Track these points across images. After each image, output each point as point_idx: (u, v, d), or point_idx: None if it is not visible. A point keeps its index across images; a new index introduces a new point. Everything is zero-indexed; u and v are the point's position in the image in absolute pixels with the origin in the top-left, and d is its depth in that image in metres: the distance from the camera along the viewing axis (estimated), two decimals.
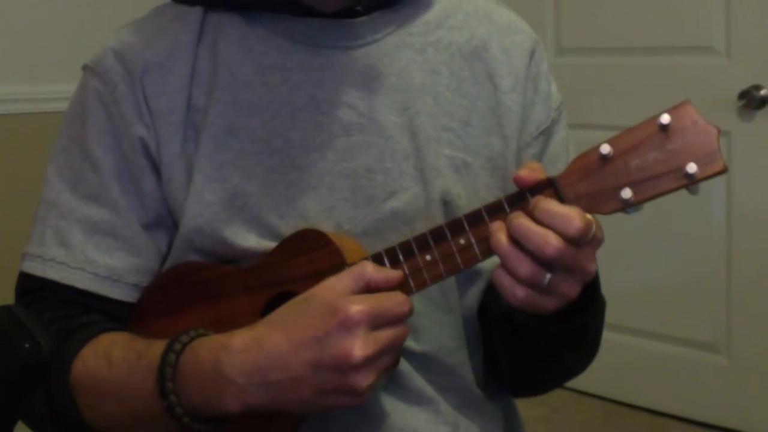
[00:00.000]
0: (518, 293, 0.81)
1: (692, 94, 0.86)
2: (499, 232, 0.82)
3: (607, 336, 1.03)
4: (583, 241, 0.79)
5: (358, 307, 0.80)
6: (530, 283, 0.81)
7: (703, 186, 0.82)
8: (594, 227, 0.80)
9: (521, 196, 0.85)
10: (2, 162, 2.50)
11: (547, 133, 1.07)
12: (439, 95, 1.01)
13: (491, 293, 1.04)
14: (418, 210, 0.98)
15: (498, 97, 1.03)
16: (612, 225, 0.93)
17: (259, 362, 0.82)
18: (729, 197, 2.70)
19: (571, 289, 0.82)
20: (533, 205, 0.81)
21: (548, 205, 0.80)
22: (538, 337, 0.95)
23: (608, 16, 2.90)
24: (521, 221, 0.80)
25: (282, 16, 1.00)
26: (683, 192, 0.82)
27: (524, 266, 0.80)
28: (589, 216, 0.80)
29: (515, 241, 0.80)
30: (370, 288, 0.85)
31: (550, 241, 0.78)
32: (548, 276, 0.80)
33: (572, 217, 0.78)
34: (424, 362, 1.00)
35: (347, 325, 0.80)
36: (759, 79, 2.60)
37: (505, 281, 0.82)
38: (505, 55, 1.05)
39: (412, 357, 0.99)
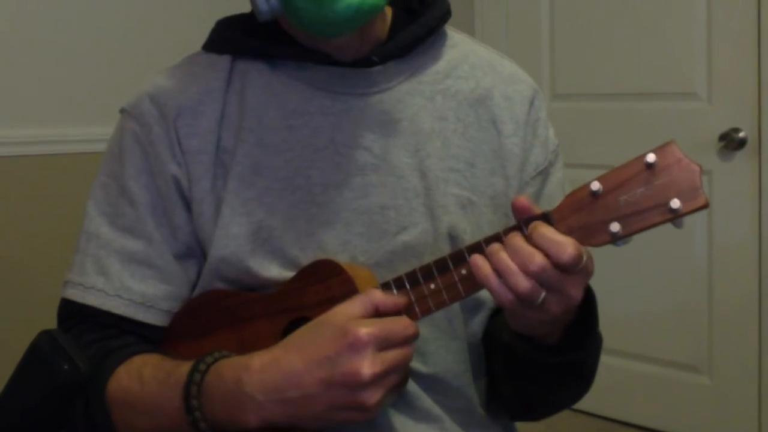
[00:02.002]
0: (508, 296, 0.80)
1: (676, 136, 0.85)
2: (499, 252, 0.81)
3: (601, 358, 1.02)
4: (574, 269, 0.78)
5: (366, 329, 0.80)
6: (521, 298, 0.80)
7: (686, 221, 0.81)
8: (585, 258, 0.79)
9: (517, 229, 0.84)
10: (47, 197, 2.51)
11: (544, 174, 1.07)
12: (447, 139, 1.01)
13: (494, 324, 1.03)
14: (426, 244, 0.97)
15: (500, 141, 1.03)
16: (605, 258, 0.92)
17: (276, 381, 0.82)
18: (710, 231, 2.69)
19: (554, 306, 0.80)
20: (531, 229, 0.80)
21: (545, 230, 0.79)
22: (536, 368, 0.94)
23: (599, 64, 2.90)
24: (515, 240, 0.80)
25: (304, 65, 1.00)
26: (669, 227, 0.81)
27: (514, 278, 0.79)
28: (582, 248, 0.79)
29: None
30: (378, 313, 0.85)
31: (535, 260, 0.77)
32: (543, 294, 0.79)
33: (566, 245, 0.77)
34: (431, 383, 0.99)
35: (356, 346, 0.80)
36: (737, 122, 2.59)
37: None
38: (507, 103, 1.05)
39: (420, 378, 0.98)
